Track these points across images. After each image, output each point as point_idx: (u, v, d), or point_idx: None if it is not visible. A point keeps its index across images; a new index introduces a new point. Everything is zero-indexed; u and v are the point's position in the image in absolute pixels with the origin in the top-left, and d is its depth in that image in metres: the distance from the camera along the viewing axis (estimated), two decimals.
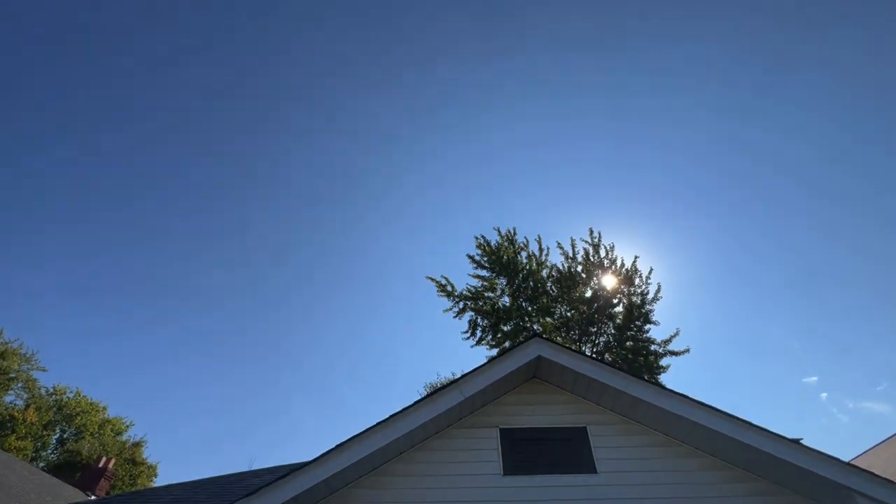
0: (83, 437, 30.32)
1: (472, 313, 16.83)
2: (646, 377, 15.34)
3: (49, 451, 29.64)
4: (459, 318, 16.93)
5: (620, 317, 16.06)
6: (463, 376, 5.84)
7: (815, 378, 40.10)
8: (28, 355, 29.90)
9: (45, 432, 29.07)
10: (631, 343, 15.75)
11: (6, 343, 28.98)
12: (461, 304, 16.86)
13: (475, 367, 5.94)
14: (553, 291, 16.72)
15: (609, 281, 16.59)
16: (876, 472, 5.23)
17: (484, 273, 17.07)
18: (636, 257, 16.59)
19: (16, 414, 27.61)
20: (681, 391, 5.62)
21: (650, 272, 16.43)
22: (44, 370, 30.69)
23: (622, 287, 16.34)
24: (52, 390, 31.16)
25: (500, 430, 5.82)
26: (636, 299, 16.27)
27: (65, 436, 30.65)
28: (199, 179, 39.64)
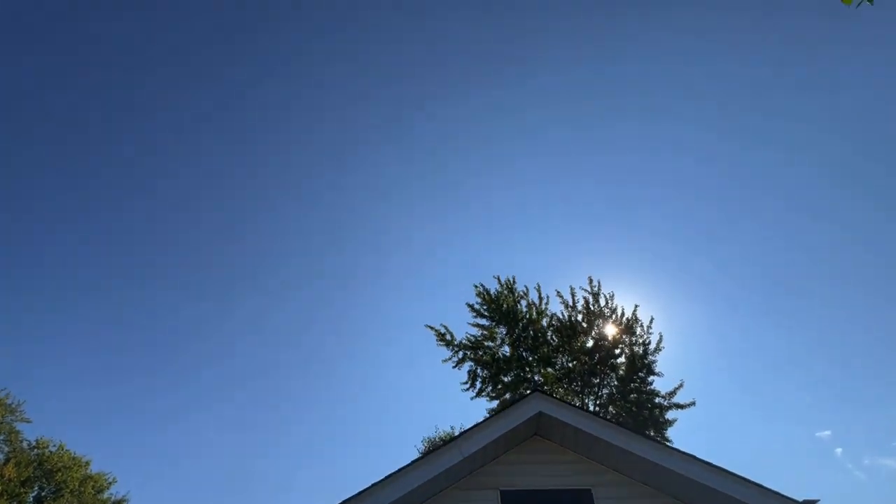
0: (62, 496, 28.76)
1: (472, 363, 16.50)
2: (651, 432, 14.82)
3: None
4: (459, 369, 16.58)
5: (623, 368, 15.74)
6: (462, 434, 5.64)
7: (828, 432, 38.50)
8: (13, 406, 28.96)
9: (22, 490, 27.60)
10: (635, 395, 15.34)
11: None
12: (460, 354, 16.57)
13: (474, 423, 5.76)
14: (554, 341, 16.48)
15: (610, 330, 16.40)
16: None
17: (483, 322, 16.91)
18: (636, 306, 16.49)
19: None
20: (688, 449, 5.42)
21: (651, 321, 16.28)
22: (28, 421, 29.63)
23: (623, 337, 16.13)
24: (34, 444, 29.91)
25: (501, 491, 5.55)
26: (638, 349, 16.01)
27: (43, 493, 29.08)
28: (199, 237, 40.03)
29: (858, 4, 1.92)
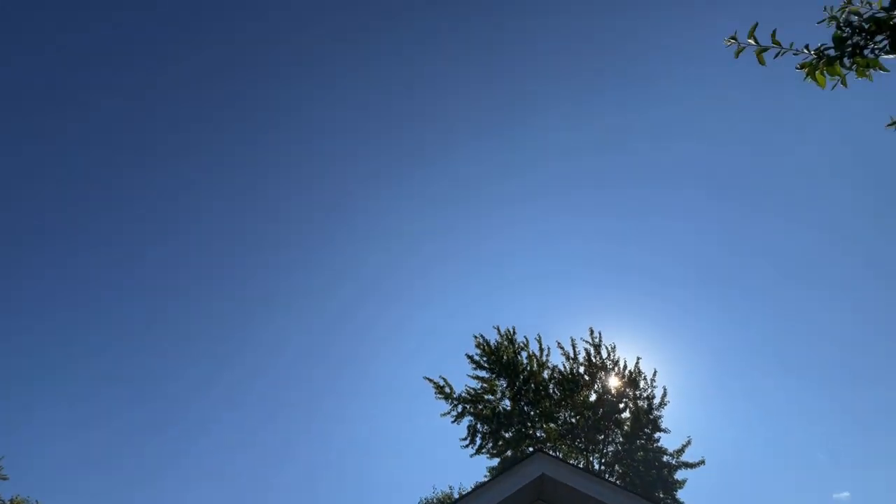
0: None
1: (472, 418, 15.97)
2: (660, 494, 14.11)
3: None
4: (458, 423, 16.02)
5: (628, 423, 15.21)
6: (461, 498, 5.36)
7: (847, 494, 36.41)
8: None
9: None
10: (641, 453, 14.73)
11: None
12: (460, 408, 16.06)
13: (474, 486, 5.48)
14: (556, 395, 16.02)
15: (613, 383, 16.02)
16: None
17: (483, 374, 16.51)
18: (638, 358, 16.19)
19: None
20: None
21: (654, 374, 15.92)
22: (5, 478, 28.11)
23: (627, 390, 15.71)
24: (8, 502, 28.27)
25: None
26: (642, 404, 15.55)
27: None
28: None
29: (833, 87, 2.02)
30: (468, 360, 16.74)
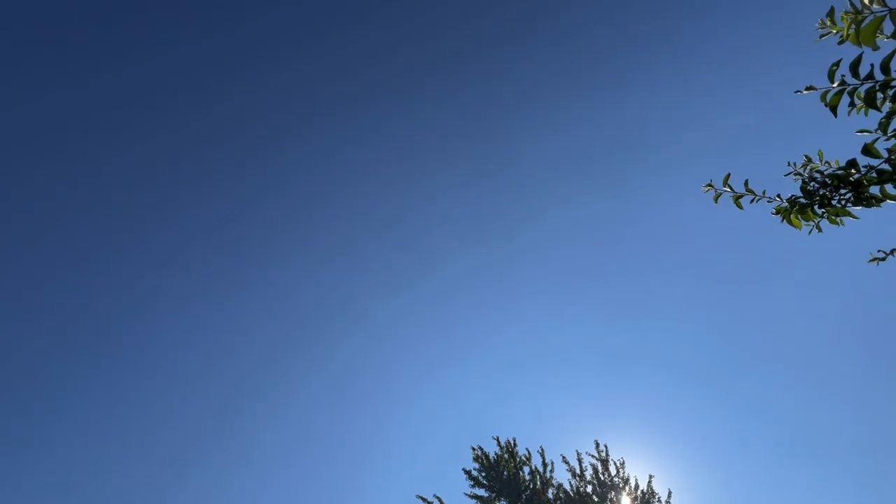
0: None
1: None
2: None
3: None
4: None
5: None
6: None
7: None
8: None
9: None
10: None
11: None
12: None
13: None
14: None
15: None
16: None
17: (482, 492, 15.11)
18: (651, 476, 14.94)
19: None
20: None
21: (669, 495, 14.55)
22: None
23: None
24: None
25: None
26: None
27: None
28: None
29: (810, 232, 2.16)
30: (465, 476, 15.44)
